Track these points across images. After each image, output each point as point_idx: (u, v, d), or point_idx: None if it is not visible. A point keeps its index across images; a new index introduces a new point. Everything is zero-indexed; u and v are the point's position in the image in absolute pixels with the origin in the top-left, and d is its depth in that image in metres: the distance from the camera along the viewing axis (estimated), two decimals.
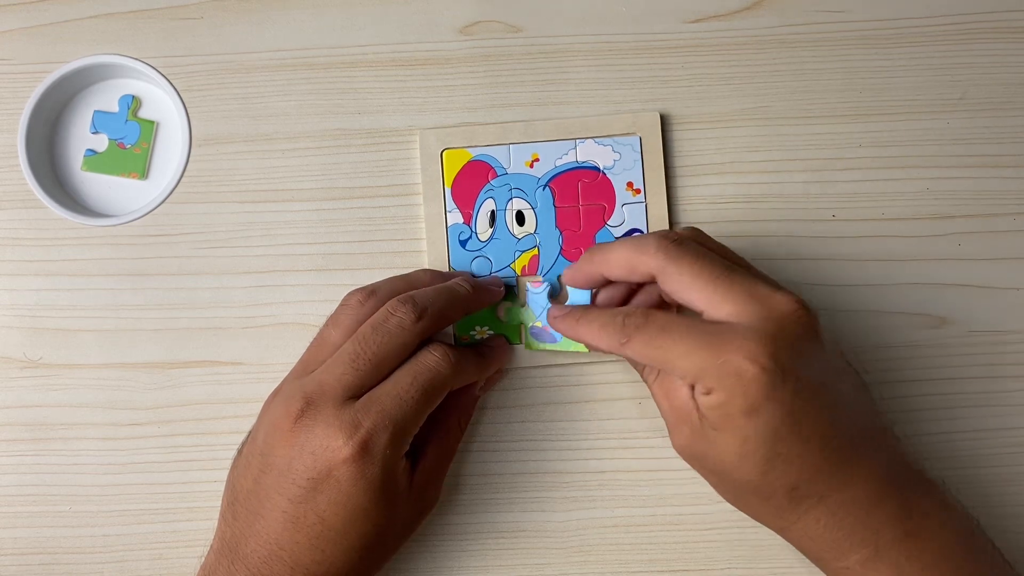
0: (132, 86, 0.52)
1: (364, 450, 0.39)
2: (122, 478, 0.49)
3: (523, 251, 0.49)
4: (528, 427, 0.49)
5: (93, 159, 0.51)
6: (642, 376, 0.43)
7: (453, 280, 0.45)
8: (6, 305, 0.50)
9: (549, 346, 0.48)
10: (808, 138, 0.50)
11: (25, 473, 0.49)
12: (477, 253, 0.49)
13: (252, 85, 0.51)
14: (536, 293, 0.48)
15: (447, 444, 0.46)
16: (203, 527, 0.49)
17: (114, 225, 0.50)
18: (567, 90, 0.51)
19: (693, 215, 0.50)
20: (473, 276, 0.49)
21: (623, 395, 0.49)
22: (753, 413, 0.37)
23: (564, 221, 0.50)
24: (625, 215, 0.49)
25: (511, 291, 0.49)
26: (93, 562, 0.49)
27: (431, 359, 0.42)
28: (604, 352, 0.44)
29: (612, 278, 0.43)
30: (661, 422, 0.49)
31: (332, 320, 0.43)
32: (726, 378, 0.37)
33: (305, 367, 0.43)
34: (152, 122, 0.51)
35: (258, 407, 0.49)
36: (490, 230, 0.49)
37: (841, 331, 0.49)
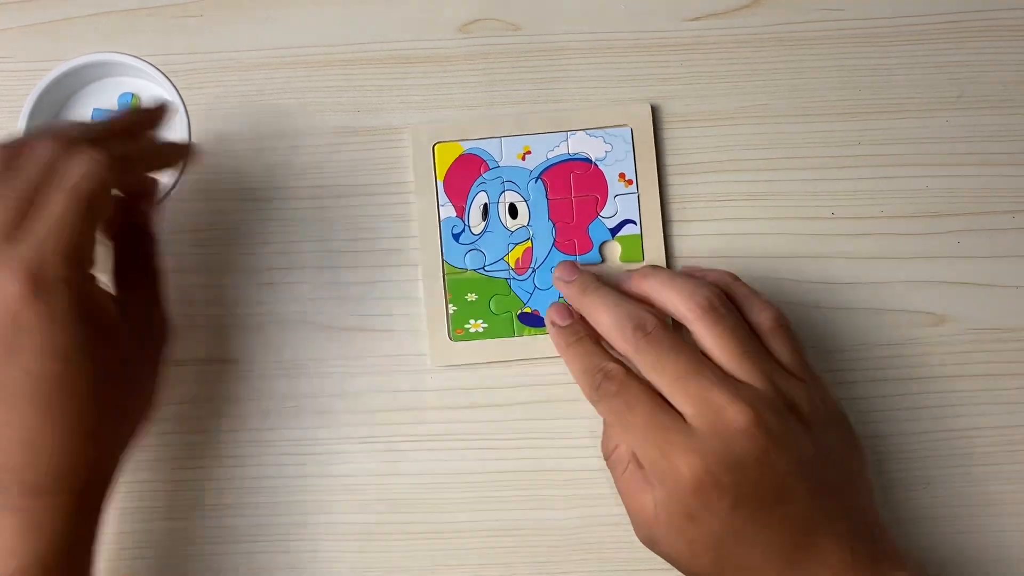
0: (132, 84, 0.52)
1: (39, 281, 0.35)
2: (121, 476, 0.49)
3: (516, 244, 0.49)
4: (527, 424, 0.49)
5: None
6: (607, 461, 0.45)
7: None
8: None
9: (540, 331, 0.49)
10: (807, 136, 0.50)
11: None
12: (470, 246, 0.49)
13: (251, 83, 0.51)
14: (521, 280, 0.48)
15: (145, 257, 0.44)
16: (201, 525, 0.49)
17: None
18: (566, 88, 0.51)
19: (692, 213, 0.50)
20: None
21: None
22: (693, 519, 0.39)
23: (557, 213, 0.50)
24: (618, 206, 0.50)
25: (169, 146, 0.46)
26: None
27: (76, 165, 0.37)
28: None
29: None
30: None
31: None
32: (668, 479, 0.39)
33: None
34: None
35: (256, 405, 0.50)
36: (483, 223, 0.50)
37: (840, 329, 0.49)
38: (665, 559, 0.42)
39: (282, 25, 0.51)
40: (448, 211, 0.50)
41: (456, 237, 0.49)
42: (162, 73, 0.51)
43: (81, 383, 0.36)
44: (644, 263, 0.49)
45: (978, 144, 0.50)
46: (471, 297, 0.49)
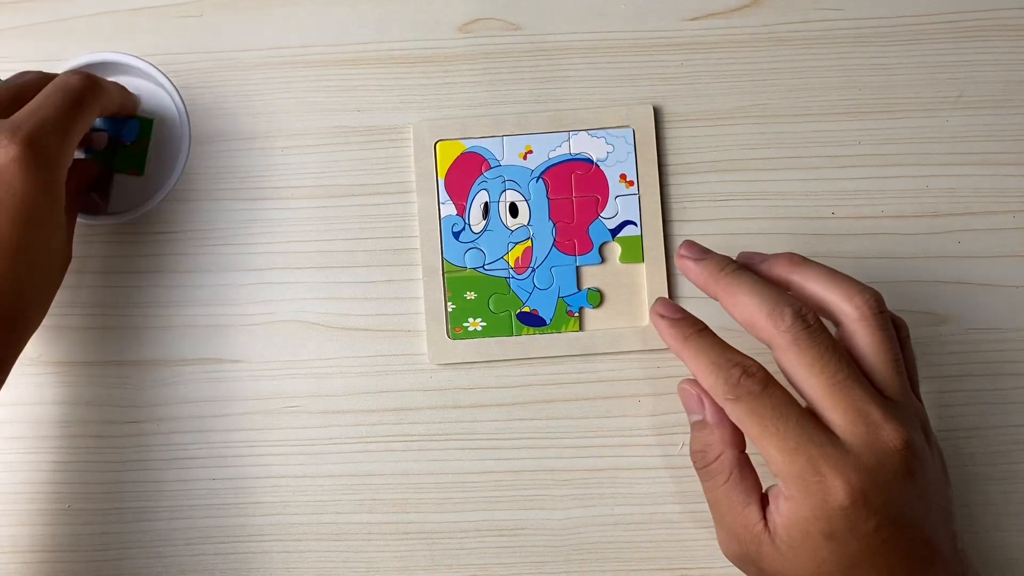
0: (131, 83, 0.52)
1: (31, 147, 0.40)
2: (120, 476, 0.49)
3: (516, 243, 0.49)
4: (526, 424, 0.49)
5: (92, 157, 0.51)
6: (701, 469, 0.41)
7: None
8: None
9: (539, 330, 0.48)
10: (807, 136, 0.50)
11: (23, 471, 0.49)
12: (471, 245, 0.49)
13: (251, 82, 0.51)
14: (520, 279, 0.48)
15: (73, 193, 0.46)
16: (203, 525, 0.49)
17: (113, 223, 0.50)
18: (566, 88, 0.51)
19: (692, 212, 0.50)
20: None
21: (622, 392, 0.49)
22: (832, 539, 0.36)
23: (557, 213, 0.50)
24: (618, 207, 0.50)
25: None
26: (91, 560, 0.49)
27: (72, 76, 0.44)
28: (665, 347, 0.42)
29: (723, 306, 0.40)
30: (660, 420, 0.49)
31: None
32: (815, 495, 0.36)
33: None
34: (151, 119, 0.51)
35: (256, 405, 0.50)
36: (483, 222, 0.50)
37: None
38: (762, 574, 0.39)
39: (282, 25, 0.51)
40: (449, 209, 0.50)
41: (456, 235, 0.49)
42: (162, 73, 0.51)
43: (31, 252, 0.41)
44: (645, 263, 0.49)
45: (978, 144, 0.50)
46: (470, 295, 0.49)
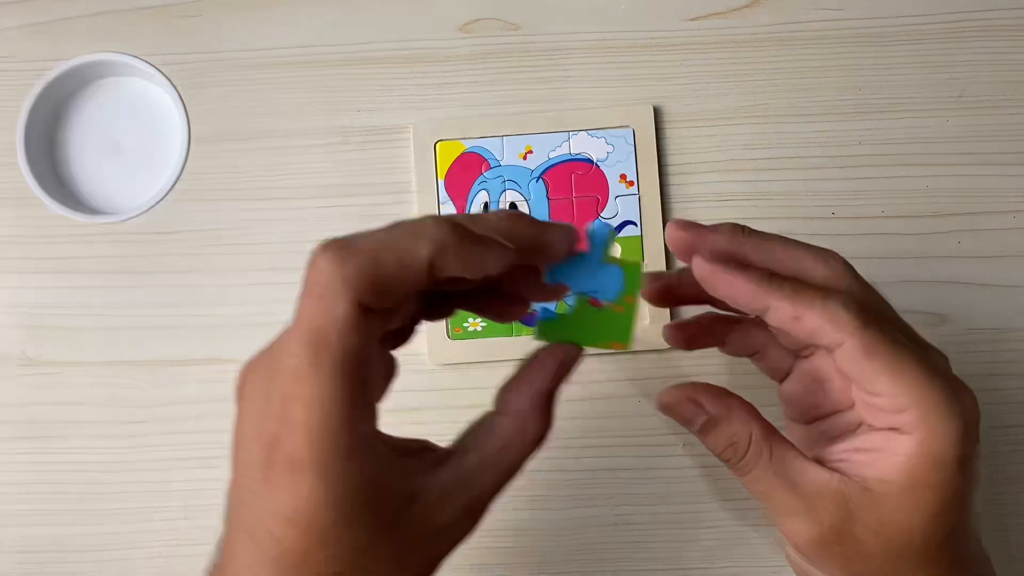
0: (131, 84, 0.52)
1: (336, 256, 0.28)
2: (121, 476, 0.49)
3: None
4: None
5: (550, 324, 0.35)
6: (738, 463, 0.35)
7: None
8: (6, 303, 0.50)
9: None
10: (807, 136, 0.50)
11: (24, 471, 0.49)
12: None
13: (251, 82, 0.51)
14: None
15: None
16: (203, 525, 0.49)
17: (113, 223, 0.51)
18: (566, 88, 0.51)
19: (692, 213, 0.50)
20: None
21: (622, 392, 0.49)
22: (965, 466, 0.32)
23: (558, 213, 0.50)
24: (618, 207, 0.50)
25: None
26: (93, 560, 0.49)
27: (427, 219, 0.30)
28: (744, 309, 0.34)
29: (741, 306, 0.34)
30: (660, 420, 0.49)
31: None
32: (954, 420, 0.32)
33: None
34: (638, 264, 0.35)
35: None
36: None
37: None
38: (852, 554, 0.34)
39: (282, 24, 0.51)
40: (449, 209, 0.50)
41: None
42: (162, 73, 0.51)
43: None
44: (645, 263, 0.49)
45: (978, 144, 0.50)
46: None
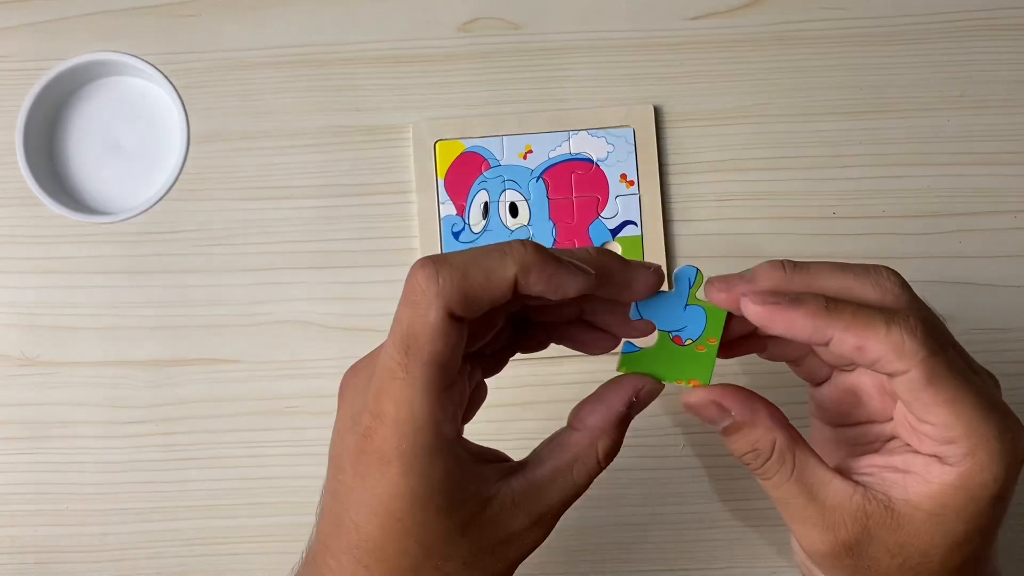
0: (131, 83, 0.52)
1: (431, 269, 0.30)
2: (120, 476, 0.49)
3: None
4: (526, 425, 0.49)
5: (634, 357, 0.36)
6: (759, 469, 0.34)
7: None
8: (4, 303, 0.50)
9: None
10: (808, 135, 0.50)
11: (23, 471, 0.49)
12: (470, 245, 0.49)
13: (250, 82, 0.51)
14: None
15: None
16: (200, 525, 0.49)
17: (112, 222, 0.50)
18: (566, 87, 0.51)
19: (693, 212, 0.50)
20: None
21: None
22: (1001, 500, 0.32)
23: (557, 213, 0.50)
24: (619, 207, 0.50)
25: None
26: (91, 560, 0.49)
27: (515, 242, 0.31)
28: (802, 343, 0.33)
29: (803, 340, 0.32)
30: (661, 420, 0.49)
31: None
32: (1005, 455, 0.31)
33: None
34: (722, 312, 0.35)
35: (256, 405, 0.49)
36: (483, 222, 0.49)
37: None
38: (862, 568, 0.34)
39: (281, 24, 0.51)
40: (448, 209, 0.50)
41: (456, 235, 0.49)
42: (162, 73, 0.51)
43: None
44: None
45: (979, 144, 0.50)
46: None
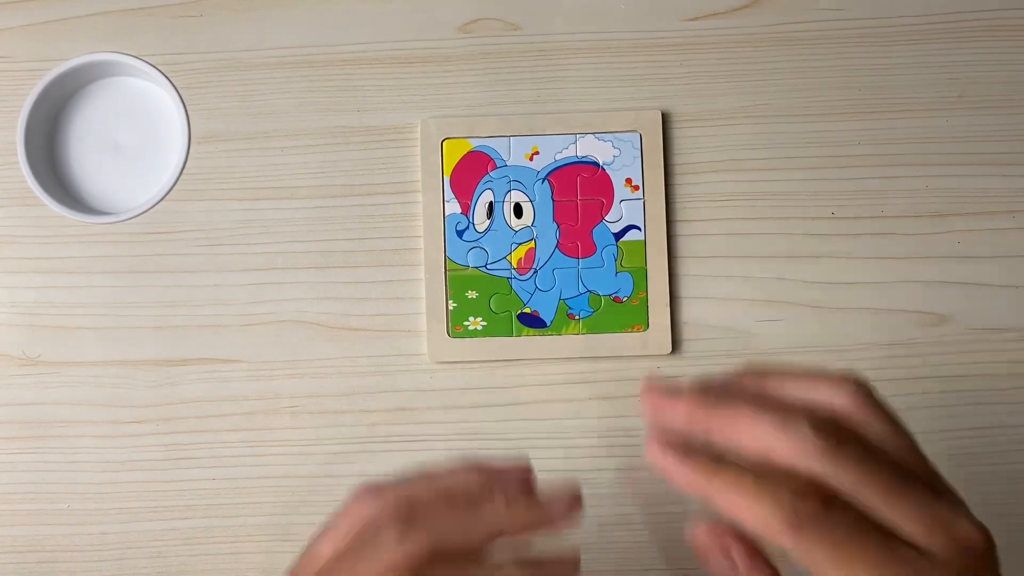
0: (131, 84, 0.52)
1: None
2: (120, 476, 0.49)
3: (519, 243, 0.49)
4: (526, 425, 0.49)
5: (591, 320, 0.49)
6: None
7: (491, 492, 0.38)
8: (5, 302, 0.50)
9: (539, 331, 0.48)
10: (807, 136, 0.50)
11: (23, 471, 0.49)
12: (474, 244, 0.49)
13: (251, 83, 0.51)
14: (522, 280, 0.48)
15: None
16: (200, 524, 0.49)
17: (113, 223, 0.50)
18: (566, 88, 0.51)
19: (692, 213, 0.50)
20: (531, 478, 0.40)
21: (620, 392, 0.49)
22: None
23: (562, 215, 0.50)
24: (623, 211, 0.50)
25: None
26: (91, 560, 0.49)
27: (388, 540, 0.35)
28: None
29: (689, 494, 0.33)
30: None
31: (328, 526, 0.38)
32: None
33: None
34: (643, 268, 0.49)
35: (256, 405, 0.49)
36: (487, 221, 0.50)
37: (840, 329, 0.49)
38: None
39: (282, 24, 0.51)
40: (453, 207, 0.50)
41: (460, 234, 0.49)
42: (162, 73, 0.51)
43: None
44: (648, 267, 0.49)
45: (978, 144, 0.50)
46: (472, 294, 0.49)
